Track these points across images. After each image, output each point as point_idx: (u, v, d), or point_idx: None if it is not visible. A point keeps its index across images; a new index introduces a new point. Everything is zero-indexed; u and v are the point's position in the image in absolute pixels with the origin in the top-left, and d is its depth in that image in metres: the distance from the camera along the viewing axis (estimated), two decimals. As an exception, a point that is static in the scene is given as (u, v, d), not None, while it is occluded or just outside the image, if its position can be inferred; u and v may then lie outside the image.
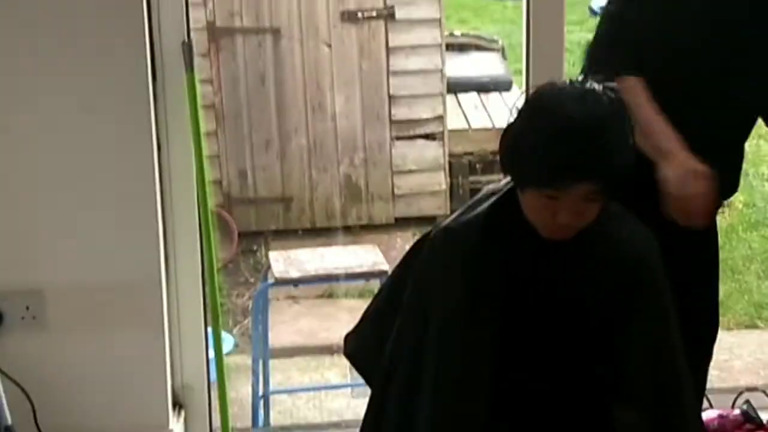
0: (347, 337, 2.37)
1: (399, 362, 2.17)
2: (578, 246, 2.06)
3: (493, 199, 2.12)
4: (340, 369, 4.53)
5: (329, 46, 6.29)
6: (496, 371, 2.08)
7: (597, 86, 1.97)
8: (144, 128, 3.16)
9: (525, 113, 2.02)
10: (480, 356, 2.08)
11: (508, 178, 2.11)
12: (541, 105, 2.00)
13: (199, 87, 3.26)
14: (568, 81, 2.02)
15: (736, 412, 3.60)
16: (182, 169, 3.30)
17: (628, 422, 2.09)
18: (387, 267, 3.93)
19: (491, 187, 2.18)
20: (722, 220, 6.50)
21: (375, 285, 4.17)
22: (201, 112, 3.27)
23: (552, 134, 1.93)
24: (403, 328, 2.17)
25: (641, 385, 2.10)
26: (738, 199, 6.73)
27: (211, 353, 3.44)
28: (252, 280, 5.64)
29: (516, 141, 2.01)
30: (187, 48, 3.18)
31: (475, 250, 2.08)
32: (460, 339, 2.08)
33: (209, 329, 3.44)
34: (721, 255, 6.09)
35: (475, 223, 2.10)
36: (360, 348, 2.34)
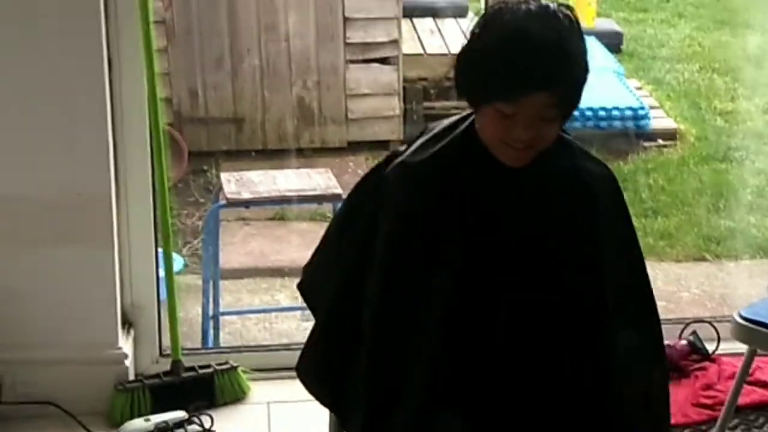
0: (304, 268, 2.34)
1: (346, 303, 2.12)
2: (540, 177, 2.03)
3: (451, 135, 2.07)
4: (291, 291, 4.51)
5: (283, -36, 6.20)
6: (457, 319, 2.03)
7: (552, 4, 1.95)
8: (95, 44, 3.13)
9: (479, 29, 1.99)
10: (438, 302, 2.03)
11: (465, 111, 2.07)
12: (496, 19, 1.97)
13: (150, 2, 3.21)
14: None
15: (683, 342, 3.64)
16: (133, 86, 3.27)
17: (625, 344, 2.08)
18: (340, 191, 3.91)
19: (447, 121, 2.12)
20: (674, 152, 6.55)
21: (327, 208, 4.16)
22: (152, 28, 3.22)
23: (507, 43, 1.91)
24: (351, 268, 2.12)
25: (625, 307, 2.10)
26: (690, 132, 6.77)
27: (161, 273, 3.43)
28: (202, 200, 5.60)
29: (470, 55, 1.98)
30: (140, -38, 3.14)
31: (436, 188, 2.03)
32: (418, 285, 2.03)
33: (159, 249, 3.42)
34: (672, 187, 6.18)
35: (434, 159, 2.05)
36: (310, 284, 2.30)
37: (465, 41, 2.01)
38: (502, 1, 1.99)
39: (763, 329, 2.85)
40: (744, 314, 2.89)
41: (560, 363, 2.04)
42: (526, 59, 1.90)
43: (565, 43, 1.92)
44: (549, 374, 2.04)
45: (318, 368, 2.21)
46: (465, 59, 1.99)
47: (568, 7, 1.97)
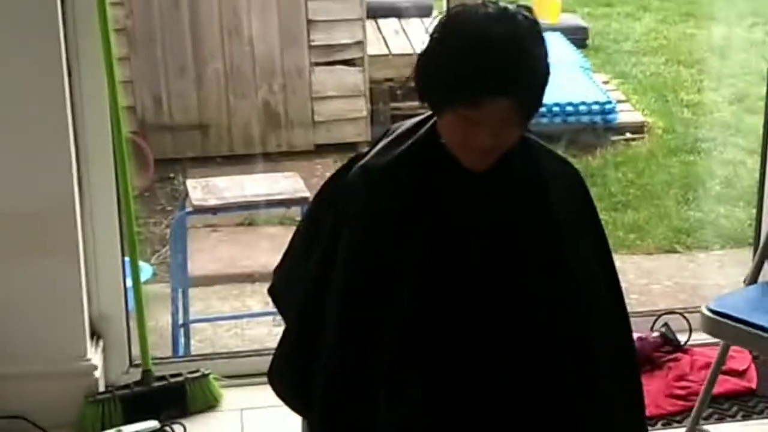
0: (274, 272, 2.32)
1: (311, 308, 2.11)
2: (501, 179, 2.02)
3: (414, 137, 2.06)
4: (262, 297, 4.49)
5: (244, -32, 6.18)
6: (418, 322, 2.01)
7: (511, 6, 1.94)
8: (53, 53, 3.10)
9: (439, 33, 1.96)
10: (397, 310, 2.01)
11: (427, 112, 2.06)
12: (456, 23, 1.95)
13: (110, 10, 3.19)
14: (480, 1, 1.96)
15: (655, 334, 3.65)
16: (94, 95, 3.24)
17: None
18: (308, 194, 3.89)
19: (410, 122, 2.11)
20: (642, 145, 6.56)
21: (296, 212, 4.14)
22: (113, 36, 3.19)
23: (468, 48, 1.89)
24: (317, 273, 2.10)
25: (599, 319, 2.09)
26: (657, 124, 6.79)
27: (129, 282, 3.41)
28: (169, 208, 5.57)
29: (431, 60, 1.96)
30: (97, -31, 3.11)
31: (397, 191, 2.02)
32: (379, 287, 2.02)
33: (126, 258, 3.39)
34: (641, 180, 6.21)
35: (396, 161, 2.03)
36: (280, 289, 2.29)
37: (424, 46, 1.99)
38: (461, 4, 1.97)
39: (731, 321, 2.85)
40: (712, 307, 2.89)
41: (530, 364, 2.03)
42: (487, 66, 1.87)
43: (527, 47, 1.90)
44: (519, 377, 2.03)
45: (290, 377, 2.20)
46: (425, 65, 1.98)
47: (527, 8, 1.96)
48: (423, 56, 1.98)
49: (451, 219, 2.02)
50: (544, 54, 1.94)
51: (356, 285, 2.03)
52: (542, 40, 1.94)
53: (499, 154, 1.98)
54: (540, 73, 1.93)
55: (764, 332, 2.77)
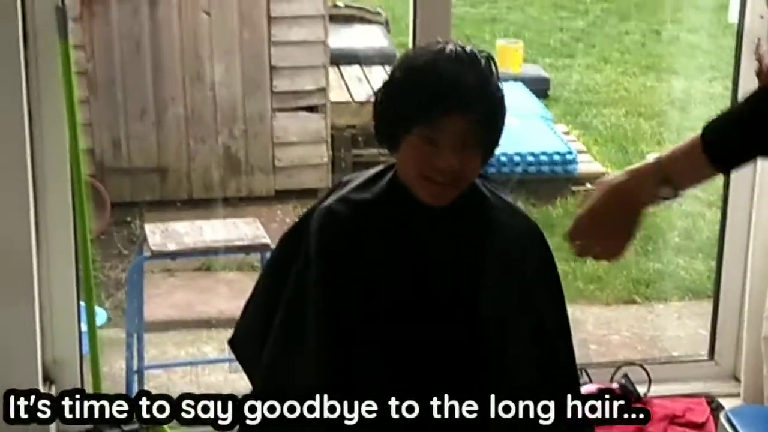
0: (236, 323, 2.30)
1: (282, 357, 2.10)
2: (464, 226, 2.05)
3: (375, 183, 2.09)
4: (218, 343, 4.47)
5: (208, 13, 6.17)
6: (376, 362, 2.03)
7: (469, 47, 2.01)
8: (15, 96, 3.08)
9: (397, 65, 2.05)
10: (358, 347, 2.03)
11: (385, 161, 2.09)
12: (414, 54, 2.05)
13: (72, 53, 3.19)
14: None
15: (614, 386, 3.65)
16: (55, 137, 3.24)
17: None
18: (268, 240, 3.87)
19: (371, 171, 2.13)
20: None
21: (255, 258, 4.11)
22: (74, 80, 3.18)
23: (425, 70, 1.97)
24: (284, 320, 2.10)
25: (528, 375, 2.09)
26: (618, 176, 6.82)
27: (84, 327, 3.37)
28: (126, 252, 5.54)
29: (388, 92, 2.03)
30: (61, 13, 3.12)
31: (358, 234, 2.04)
32: (335, 330, 2.03)
33: (82, 302, 3.36)
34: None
35: (357, 203, 2.06)
36: (240, 340, 2.28)
37: (384, 81, 2.05)
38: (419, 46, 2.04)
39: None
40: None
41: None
42: (441, 83, 1.94)
43: (480, 69, 1.98)
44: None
45: None
46: (383, 97, 2.03)
47: (488, 54, 2.02)
48: (382, 88, 2.05)
49: (408, 256, 2.03)
50: (499, 85, 2.00)
51: (336, 325, 2.03)
52: (497, 74, 2.01)
53: (457, 189, 2.01)
54: (495, 97, 1.99)
55: None
